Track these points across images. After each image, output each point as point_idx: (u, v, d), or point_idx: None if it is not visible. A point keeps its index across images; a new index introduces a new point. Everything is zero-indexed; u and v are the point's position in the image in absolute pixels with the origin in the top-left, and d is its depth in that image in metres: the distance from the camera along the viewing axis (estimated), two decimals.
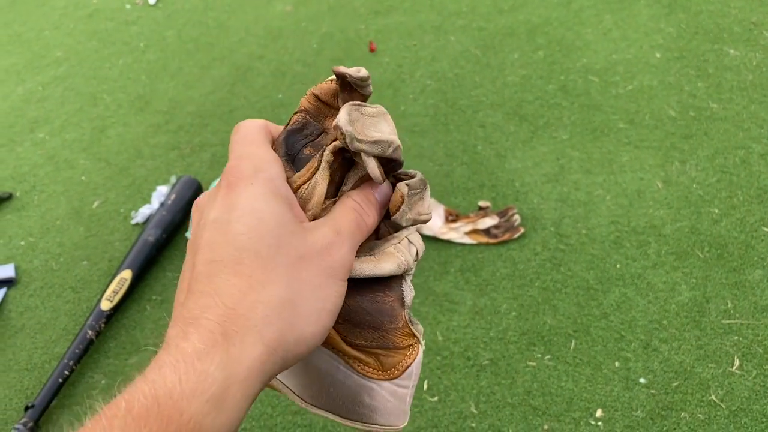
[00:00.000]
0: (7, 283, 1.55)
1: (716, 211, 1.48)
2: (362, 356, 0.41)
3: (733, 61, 1.87)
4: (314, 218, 0.39)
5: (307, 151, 0.41)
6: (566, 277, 1.40)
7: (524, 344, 1.30)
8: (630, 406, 1.18)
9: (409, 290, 0.43)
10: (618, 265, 1.41)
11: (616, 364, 1.25)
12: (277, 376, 0.43)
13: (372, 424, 0.42)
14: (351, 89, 0.41)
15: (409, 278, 0.43)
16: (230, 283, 0.33)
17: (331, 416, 0.43)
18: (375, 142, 0.38)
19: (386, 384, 0.41)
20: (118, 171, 1.81)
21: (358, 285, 0.41)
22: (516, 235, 1.48)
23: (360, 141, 0.37)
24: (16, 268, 1.58)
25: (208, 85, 2.09)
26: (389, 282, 0.42)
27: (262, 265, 0.34)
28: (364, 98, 0.42)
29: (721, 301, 1.32)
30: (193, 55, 2.24)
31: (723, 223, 1.46)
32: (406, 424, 0.43)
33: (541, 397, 1.21)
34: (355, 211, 0.39)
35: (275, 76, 2.08)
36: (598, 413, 1.18)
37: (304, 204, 0.39)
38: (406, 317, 0.42)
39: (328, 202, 0.40)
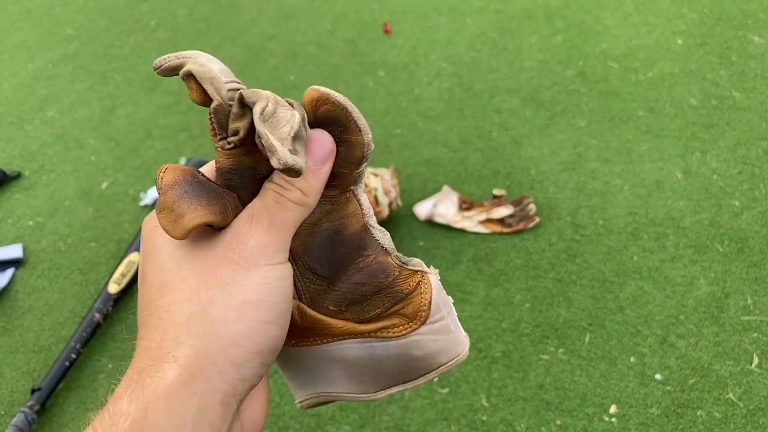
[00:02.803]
0: (14, 263, 1.53)
1: (737, 203, 1.45)
2: (386, 323, 0.39)
3: (758, 49, 1.82)
4: None
5: None
6: (582, 268, 1.37)
7: (537, 337, 1.27)
8: (645, 402, 1.16)
9: (381, 234, 0.41)
10: (635, 258, 1.37)
11: (632, 359, 1.22)
12: (331, 389, 0.41)
13: (436, 368, 0.40)
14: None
15: (372, 222, 0.41)
16: (147, 322, 0.34)
17: (399, 388, 0.41)
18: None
19: (423, 328, 0.40)
20: (128, 152, 1.79)
21: (335, 267, 0.40)
22: (531, 225, 1.45)
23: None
24: (24, 249, 1.56)
25: None
26: (358, 243, 0.40)
27: (166, 291, 0.34)
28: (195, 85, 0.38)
29: (741, 297, 1.29)
30: (204, 34, 2.21)
31: (744, 216, 1.42)
32: (468, 345, 0.41)
33: (553, 392, 1.19)
34: (271, 189, 0.37)
35: (287, 57, 2.05)
36: (612, 409, 1.16)
37: None
38: (396, 262, 0.40)
39: None
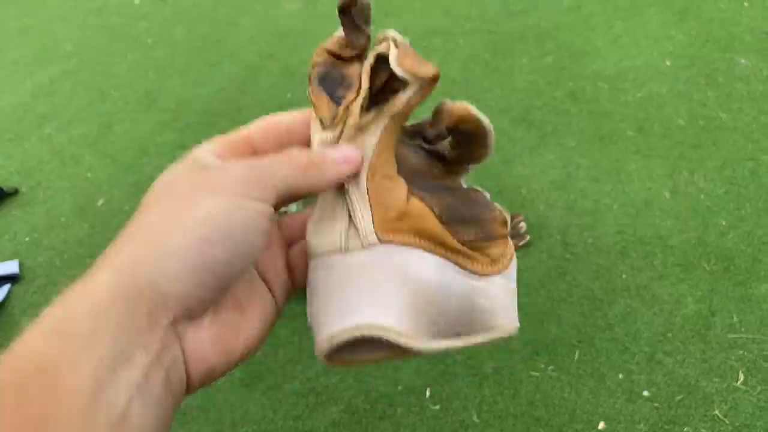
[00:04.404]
0: (11, 279, 1.55)
1: (724, 223, 1.48)
2: (472, 252, 0.39)
3: (744, 71, 1.86)
4: (359, 128, 0.38)
5: (339, 92, 0.41)
6: (571, 286, 1.39)
7: (528, 354, 1.29)
8: (633, 419, 1.18)
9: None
10: (624, 276, 1.40)
11: (620, 376, 1.24)
12: (383, 321, 0.36)
13: (491, 328, 0.38)
14: (353, 28, 0.42)
15: None
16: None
17: (450, 343, 0.38)
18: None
19: (497, 279, 0.39)
20: (124, 168, 1.81)
21: (444, 191, 0.41)
22: (522, 243, 1.47)
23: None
24: (20, 264, 1.58)
25: (216, 84, 2.08)
26: (466, 188, 0.43)
27: (146, 204, 0.34)
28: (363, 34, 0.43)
29: (727, 315, 1.31)
30: (201, 52, 2.24)
31: (730, 235, 1.45)
32: (517, 326, 0.40)
33: (543, 408, 1.21)
34: (288, 150, 0.38)
35: (284, 76, 2.07)
36: (601, 426, 1.17)
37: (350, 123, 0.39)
38: (498, 205, 0.42)
39: (369, 116, 0.39)
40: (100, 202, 1.72)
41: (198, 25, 2.38)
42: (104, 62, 2.25)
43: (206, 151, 0.38)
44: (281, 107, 1.98)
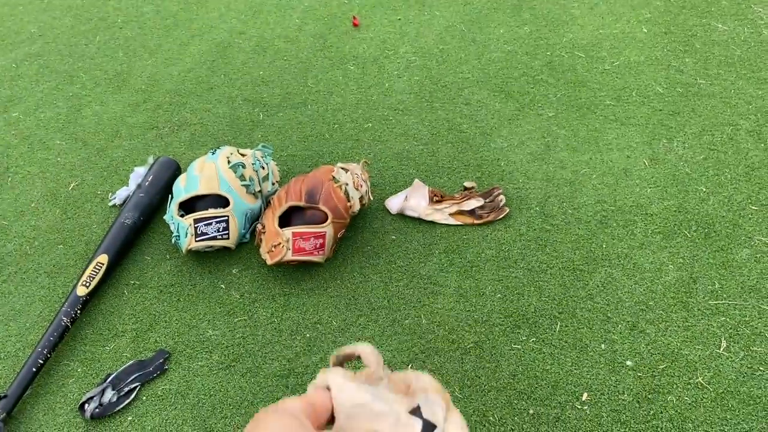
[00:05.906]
0: None
1: (703, 189, 1.47)
2: None
3: (721, 36, 1.84)
4: None
5: None
6: (551, 257, 1.38)
7: (509, 327, 1.28)
8: (616, 389, 1.17)
9: None
10: (604, 245, 1.39)
11: (602, 346, 1.23)
12: None
13: None
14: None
15: None
16: None
17: None
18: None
19: None
20: (95, 152, 1.77)
21: None
22: (501, 216, 1.45)
23: None
24: None
25: (187, 62, 2.03)
26: None
27: None
28: None
29: (708, 282, 1.30)
30: (171, 31, 2.18)
31: (710, 201, 1.44)
32: None
33: (526, 381, 1.20)
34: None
35: (256, 52, 2.03)
36: (584, 396, 1.17)
37: None
38: None
39: None
40: (71, 186, 1.68)
41: (167, 3, 2.32)
42: (71, 44, 2.19)
43: (297, 408, 0.44)
44: (253, 85, 1.93)
